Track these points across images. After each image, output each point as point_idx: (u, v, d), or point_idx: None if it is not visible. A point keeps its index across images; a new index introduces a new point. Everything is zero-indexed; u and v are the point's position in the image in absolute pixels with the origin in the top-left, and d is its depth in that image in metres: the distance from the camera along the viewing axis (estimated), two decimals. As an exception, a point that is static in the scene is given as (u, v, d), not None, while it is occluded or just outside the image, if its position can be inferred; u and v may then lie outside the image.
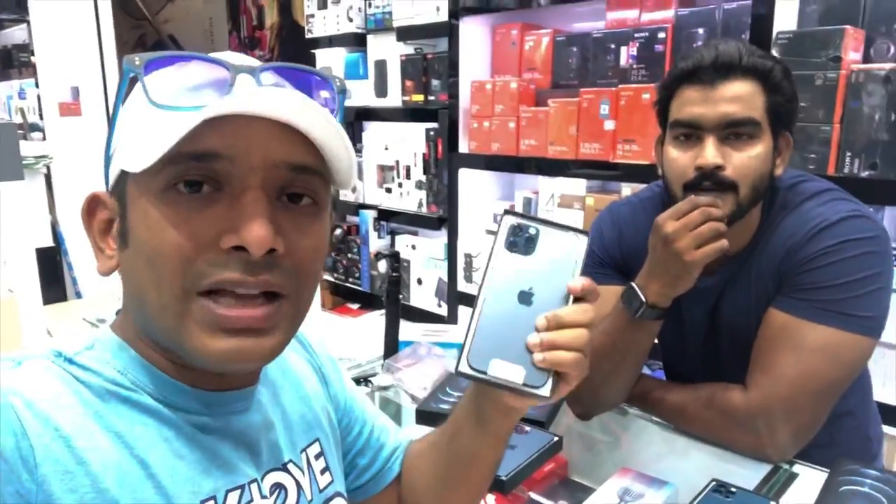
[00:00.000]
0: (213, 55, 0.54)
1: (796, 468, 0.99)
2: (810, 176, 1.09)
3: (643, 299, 1.00)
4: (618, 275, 1.17)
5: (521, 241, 0.61)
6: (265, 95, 0.50)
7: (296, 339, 0.74)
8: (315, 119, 0.51)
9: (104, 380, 0.54)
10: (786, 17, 1.60)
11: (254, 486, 0.60)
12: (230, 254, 0.50)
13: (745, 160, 0.97)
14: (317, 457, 0.69)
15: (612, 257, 1.17)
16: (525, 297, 0.60)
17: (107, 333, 0.58)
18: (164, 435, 0.55)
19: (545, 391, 0.57)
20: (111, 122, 0.56)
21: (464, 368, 0.58)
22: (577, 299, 0.59)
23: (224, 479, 0.57)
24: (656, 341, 1.26)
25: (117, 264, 0.56)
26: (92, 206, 0.57)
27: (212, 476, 0.57)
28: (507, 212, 0.62)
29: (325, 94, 0.59)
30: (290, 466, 0.65)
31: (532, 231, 0.61)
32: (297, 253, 0.53)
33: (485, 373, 0.58)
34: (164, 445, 0.54)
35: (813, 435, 1.00)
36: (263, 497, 0.60)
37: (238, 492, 0.58)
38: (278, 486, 0.63)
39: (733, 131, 0.96)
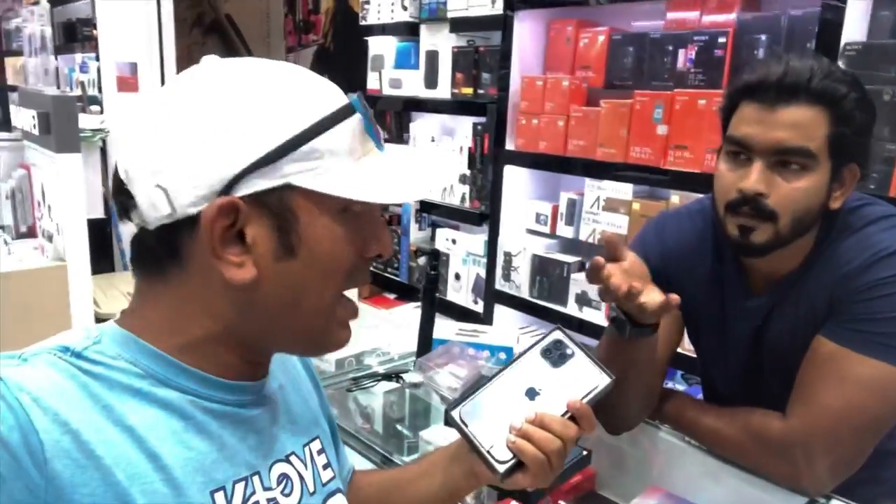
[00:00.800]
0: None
1: (833, 503, 0.96)
2: (874, 199, 1.04)
3: (625, 319, 0.97)
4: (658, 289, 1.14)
5: (556, 355, 0.71)
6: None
7: None
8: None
9: (114, 372, 0.55)
10: (855, 27, 1.53)
11: (256, 478, 0.61)
12: (368, 261, 0.62)
13: (790, 192, 0.92)
14: (318, 452, 0.71)
15: (655, 270, 1.13)
16: (531, 394, 0.70)
17: (113, 327, 0.59)
18: (173, 427, 0.56)
19: (501, 468, 0.66)
20: (300, 140, 0.54)
21: (454, 414, 0.69)
22: (572, 419, 0.68)
23: (232, 470, 0.59)
24: (694, 355, 1.23)
25: (256, 273, 0.55)
26: (223, 212, 0.53)
27: (220, 467, 0.58)
28: (558, 327, 0.74)
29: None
30: (293, 459, 0.66)
31: (569, 352, 0.71)
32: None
33: (466, 426, 0.69)
34: (173, 437, 0.55)
35: (853, 470, 0.96)
36: (269, 488, 0.61)
37: (244, 482, 0.59)
38: (284, 477, 0.64)
39: (784, 159, 0.92)
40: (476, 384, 0.71)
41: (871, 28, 1.54)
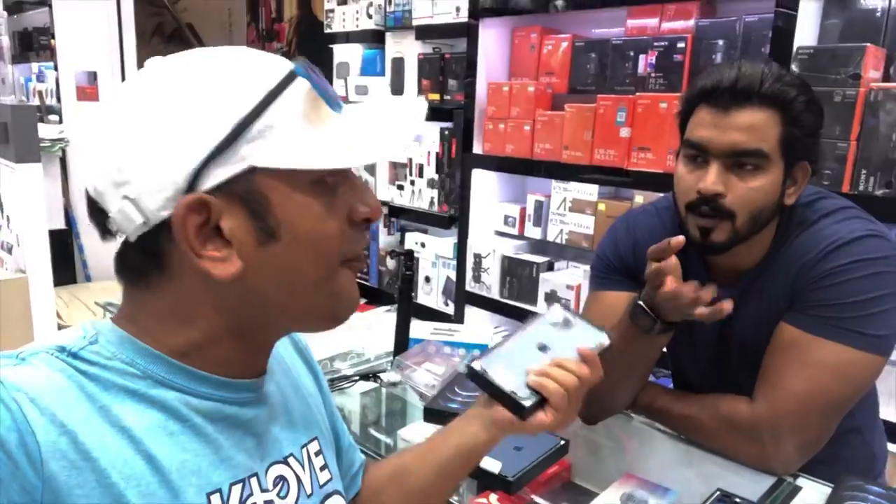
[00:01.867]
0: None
1: (800, 481, 1.00)
2: (828, 193, 1.09)
3: (654, 317, 1.00)
4: (629, 281, 1.17)
5: (561, 321, 0.79)
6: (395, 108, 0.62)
7: (294, 343, 0.77)
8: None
9: (110, 373, 0.54)
10: (806, 32, 1.60)
11: (253, 480, 0.60)
12: (360, 225, 0.60)
13: (746, 191, 0.96)
14: (316, 454, 0.70)
15: (626, 264, 1.18)
16: (543, 348, 0.75)
17: (109, 326, 0.57)
18: (170, 429, 0.55)
19: (526, 402, 0.70)
20: (250, 119, 0.52)
21: (474, 365, 0.72)
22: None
23: (229, 472, 0.58)
24: (665, 350, 1.27)
25: (240, 264, 0.54)
26: (189, 211, 0.52)
27: (217, 469, 0.57)
28: (559, 304, 0.81)
29: None
30: (291, 460, 0.66)
31: (572, 319, 0.79)
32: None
33: (487, 374, 0.72)
34: (170, 439, 0.54)
35: (818, 449, 1.01)
36: (265, 490, 0.61)
37: (241, 484, 0.59)
38: (281, 479, 0.63)
39: (739, 160, 0.96)
40: (494, 343, 0.76)
41: (821, 33, 1.62)
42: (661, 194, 1.30)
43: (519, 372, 0.72)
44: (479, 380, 0.72)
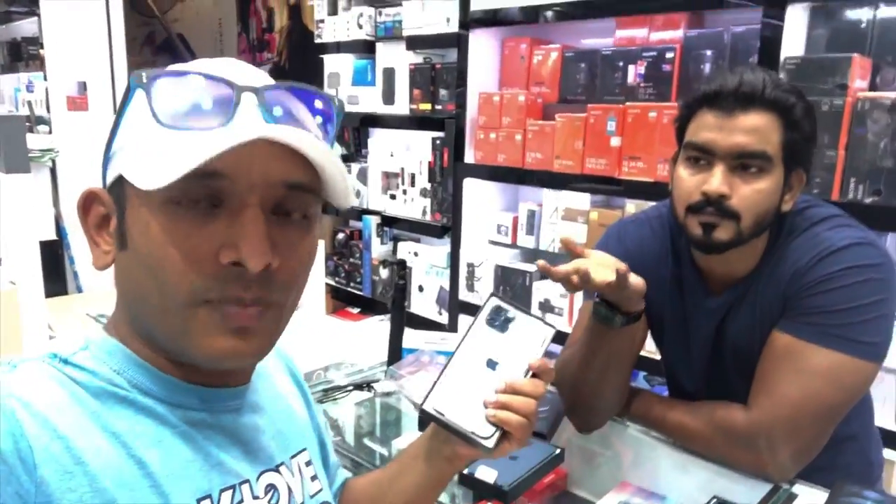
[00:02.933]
0: (217, 71, 0.55)
1: (796, 488, 1.00)
2: (818, 201, 1.10)
3: (614, 310, 1.02)
4: None
5: (500, 321, 0.73)
6: (273, 130, 0.52)
7: (282, 360, 0.78)
8: (316, 145, 0.53)
9: (100, 380, 0.55)
10: (794, 42, 1.62)
11: (247, 486, 0.61)
12: (229, 268, 0.53)
13: (751, 193, 0.97)
14: (307, 464, 0.71)
15: None
16: (491, 364, 0.71)
17: (100, 334, 0.59)
18: (160, 434, 0.55)
19: (490, 443, 0.67)
20: (115, 124, 0.58)
21: (426, 407, 0.68)
22: (534, 376, 0.70)
23: (219, 479, 0.58)
24: (659, 357, 1.27)
25: (112, 260, 0.58)
26: (88, 201, 0.59)
27: (207, 475, 0.57)
28: (493, 294, 0.74)
29: (319, 116, 0.61)
30: (283, 469, 0.66)
31: (510, 315, 0.73)
32: (288, 267, 0.56)
33: (443, 415, 0.68)
34: (160, 445, 0.55)
35: (813, 456, 1.01)
36: (256, 497, 0.61)
37: (231, 491, 0.59)
38: (272, 487, 0.64)
39: (743, 162, 0.97)
40: (437, 375, 0.71)
41: (808, 44, 1.64)
42: (653, 203, 1.31)
43: (474, 404, 0.68)
44: (435, 421, 0.69)
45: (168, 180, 0.49)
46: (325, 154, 0.54)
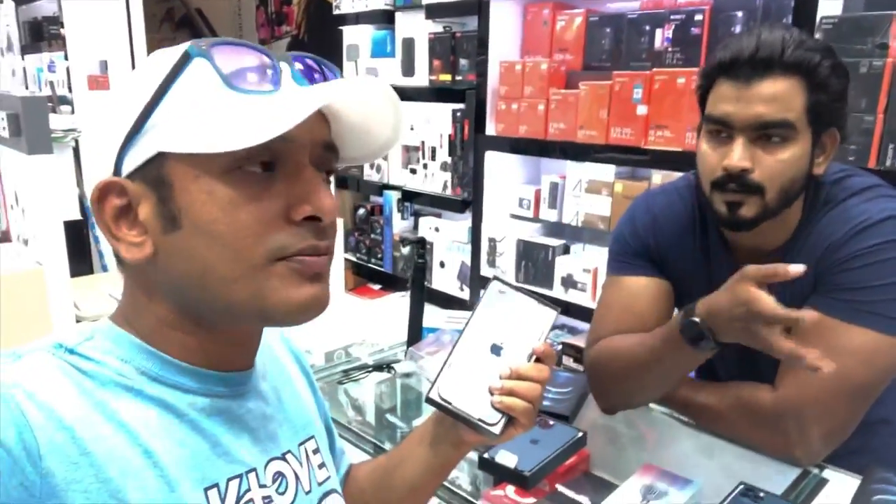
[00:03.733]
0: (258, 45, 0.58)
1: (826, 473, 0.97)
2: (857, 171, 1.05)
3: (710, 337, 0.91)
4: (650, 265, 1.14)
5: (502, 305, 0.73)
6: (355, 86, 0.57)
7: (286, 345, 0.77)
8: (388, 91, 0.58)
9: (106, 369, 0.55)
10: (831, 1, 1.54)
11: (254, 475, 0.60)
12: (302, 224, 0.55)
13: (774, 164, 0.93)
14: (314, 452, 0.70)
15: (646, 246, 1.14)
16: (496, 350, 0.71)
17: (106, 324, 0.59)
18: (167, 424, 0.55)
19: (496, 429, 0.67)
20: (153, 101, 0.54)
21: (433, 396, 0.68)
22: (538, 360, 0.70)
23: (226, 468, 0.58)
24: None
25: (151, 250, 0.55)
26: (103, 194, 0.56)
27: (214, 464, 0.57)
28: (495, 278, 0.74)
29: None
30: (290, 457, 0.66)
31: (513, 298, 0.73)
32: (334, 218, 0.58)
33: (450, 403, 0.68)
34: (166, 434, 0.55)
35: (844, 438, 0.97)
36: (263, 486, 0.61)
37: (238, 480, 0.59)
38: (279, 475, 0.63)
39: (764, 133, 0.92)
40: (442, 362, 0.71)
41: (846, 2, 1.55)
42: (680, 173, 1.26)
43: (480, 391, 0.68)
44: (442, 409, 0.69)
45: (257, 140, 0.50)
46: (391, 96, 0.59)
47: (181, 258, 0.54)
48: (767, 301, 0.84)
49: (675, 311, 1.19)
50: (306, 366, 0.79)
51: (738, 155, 0.93)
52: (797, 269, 0.83)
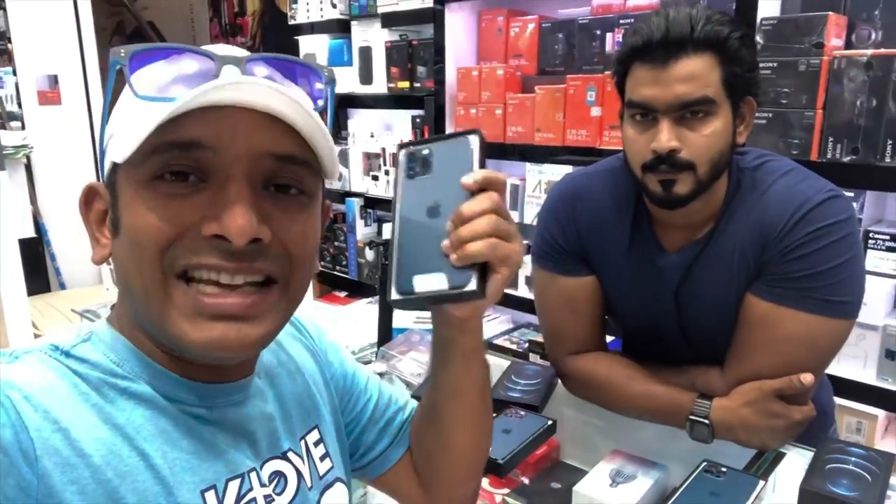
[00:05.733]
0: (199, 47, 0.54)
1: (783, 447, 1.02)
2: (773, 154, 1.07)
3: (710, 427, 1.01)
4: (582, 264, 1.14)
5: (418, 166, 0.63)
6: (244, 87, 0.49)
7: (291, 323, 0.74)
8: (295, 109, 0.51)
9: (102, 371, 0.54)
10: (769, 2, 1.62)
11: (253, 475, 0.60)
12: (211, 241, 0.51)
13: (700, 140, 0.94)
14: (316, 444, 0.69)
15: (574, 243, 1.13)
16: (433, 212, 0.60)
17: (103, 326, 0.58)
18: (162, 426, 0.55)
19: (472, 286, 0.57)
20: (103, 115, 0.56)
21: (394, 297, 0.59)
22: (481, 191, 0.59)
23: (224, 469, 0.58)
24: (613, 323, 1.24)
25: (109, 253, 0.57)
26: (89, 196, 0.58)
27: (212, 466, 0.57)
28: (400, 145, 0.65)
29: (318, 85, 0.59)
30: (290, 455, 0.65)
31: (425, 152, 0.63)
32: (286, 238, 0.54)
33: (412, 293, 0.58)
34: (162, 436, 0.55)
35: None
36: (262, 485, 0.61)
37: (238, 480, 0.58)
38: (277, 474, 0.63)
39: (687, 111, 0.94)
40: (388, 262, 0.61)
41: (784, 3, 1.63)
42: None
43: (437, 261, 0.58)
44: (410, 304, 0.60)
45: (136, 144, 0.49)
46: (305, 112, 0.51)
47: (119, 265, 0.55)
48: (806, 410, 0.99)
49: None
50: (313, 340, 0.77)
51: (665, 137, 0.94)
52: (807, 378, 0.96)
